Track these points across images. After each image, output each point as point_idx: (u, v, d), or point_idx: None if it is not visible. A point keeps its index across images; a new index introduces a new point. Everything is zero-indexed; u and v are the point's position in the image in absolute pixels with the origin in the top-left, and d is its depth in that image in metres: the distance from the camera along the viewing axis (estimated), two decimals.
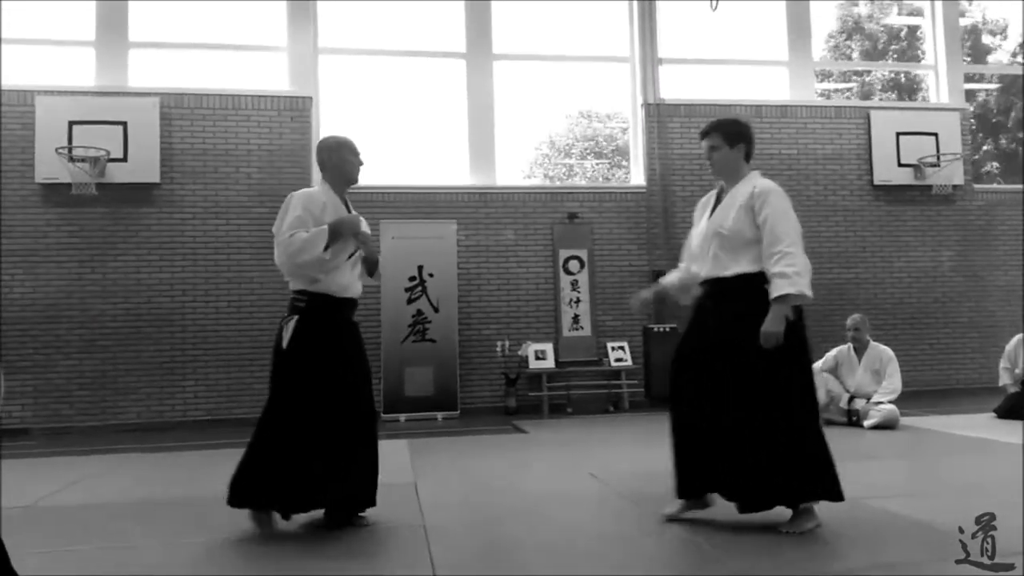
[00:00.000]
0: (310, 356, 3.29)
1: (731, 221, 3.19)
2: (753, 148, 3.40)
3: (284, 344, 3.28)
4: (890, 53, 16.58)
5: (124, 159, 7.90)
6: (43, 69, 8.35)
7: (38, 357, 7.80)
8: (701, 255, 3.33)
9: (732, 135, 3.33)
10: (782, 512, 3.15)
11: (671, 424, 3.32)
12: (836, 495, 3.10)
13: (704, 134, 3.40)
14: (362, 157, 3.61)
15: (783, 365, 3.08)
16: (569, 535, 3.21)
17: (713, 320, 3.25)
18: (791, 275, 3.03)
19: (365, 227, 3.53)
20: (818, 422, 3.19)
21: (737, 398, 3.11)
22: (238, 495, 3.29)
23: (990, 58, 16.50)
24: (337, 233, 3.28)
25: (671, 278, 3.65)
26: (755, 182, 3.26)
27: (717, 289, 3.26)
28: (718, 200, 3.36)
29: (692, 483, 3.27)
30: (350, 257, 3.44)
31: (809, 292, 3.07)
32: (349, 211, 3.52)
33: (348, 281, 3.45)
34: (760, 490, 3.08)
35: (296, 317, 3.30)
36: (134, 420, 7.88)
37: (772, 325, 3.04)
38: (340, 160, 3.52)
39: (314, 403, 3.26)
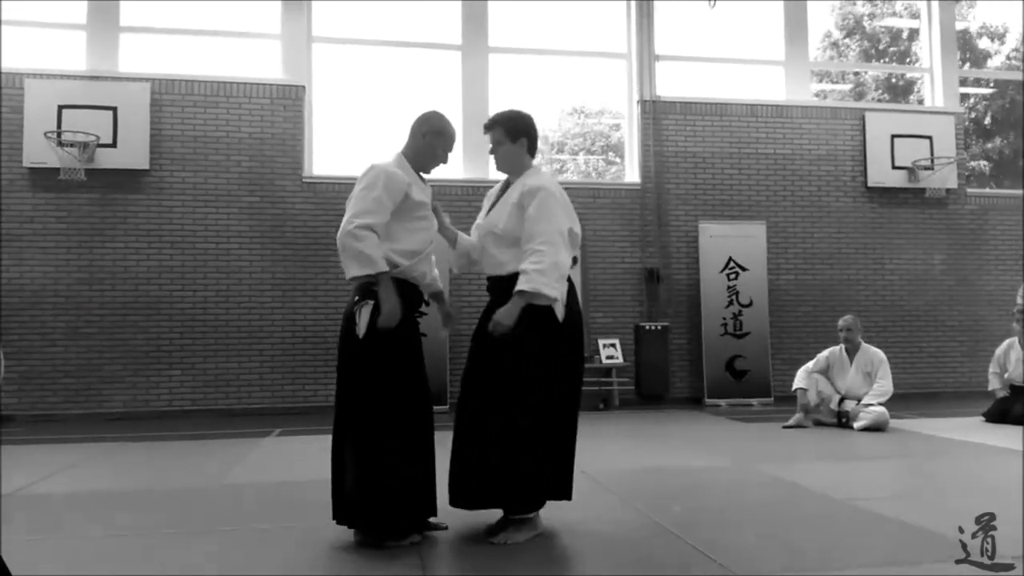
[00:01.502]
0: (392, 347, 3.01)
1: (504, 220, 3.13)
2: (536, 142, 3.35)
3: (360, 332, 2.95)
4: (890, 54, 16.58)
5: (113, 144, 7.82)
6: (33, 52, 8.24)
7: (23, 343, 7.71)
8: (480, 251, 3.28)
9: (513, 130, 3.26)
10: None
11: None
12: (561, 495, 3.13)
13: (487, 128, 3.35)
14: (450, 155, 3.34)
15: (533, 364, 3.01)
16: (559, 533, 3.19)
17: (482, 319, 3.21)
18: (531, 272, 2.95)
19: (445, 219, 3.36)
20: (554, 426, 3.09)
21: (481, 399, 3.08)
22: (393, 522, 2.96)
23: (989, 63, 16.52)
24: (373, 294, 2.95)
25: (464, 237, 3.44)
26: (529, 180, 3.18)
27: (496, 287, 3.20)
28: (503, 193, 3.31)
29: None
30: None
31: (549, 292, 2.94)
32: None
33: (427, 269, 3.19)
34: (477, 492, 3.05)
35: (371, 303, 2.95)
36: (120, 408, 7.81)
37: (504, 316, 2.96)
38: (430, 147, 3.23)
39: (402, 400, 3.01)
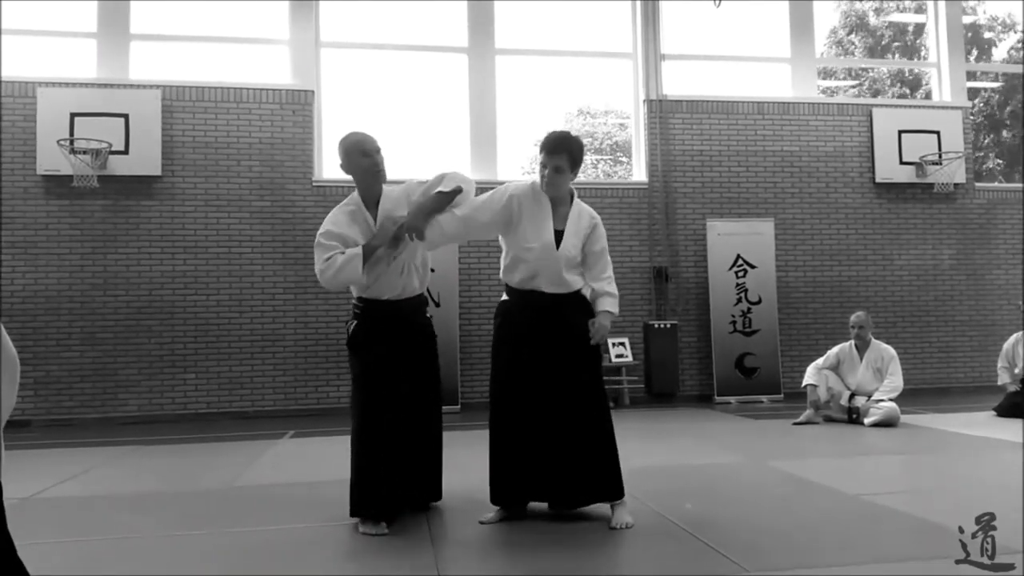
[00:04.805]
0: (366, 353, 3.50)
1: (575, 250, 3.42)
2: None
3: (348, 342, 3.58)
4: (894, 50, 16.54)
5: (125, 151, 7.89)
6: (45, 60, 8.33)
7: (39, 349, 7.80)
8: (548, 272, 3.39)
9: (576, 162, 3.42)
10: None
11: (493, 432, 3.56)
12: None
13: (553, 152, 3.36)
14: (380, 154, 3.55)
15: (589, 371, 3.42)
16: (570, 532, 3.22)
17: (540, 331, 3.41)
18: (616, 296, 3.49)
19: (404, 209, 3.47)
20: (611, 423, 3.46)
21: (559, 405, 3.36)
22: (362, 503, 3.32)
23: (996, 55, 16.46)
24: (372, 249, 3.37)
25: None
26: (586, 209, 3.52)
27: (554, 301, 3.41)
28: (553, 211, 3.44)
29: (510, 491, 3.40)
30: (395, 261, 3.50)
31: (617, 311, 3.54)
32: (375, 211, 3.49)
33: (398, 283, 3.55)
34: (582, 490, 3.34)
35: (356, 322, 3.58)
36: (135, 413, 7.89)
37: (605, 323, 3.43)
38: (355, 166, 3.52)
39: (376, 396, 3.40)
